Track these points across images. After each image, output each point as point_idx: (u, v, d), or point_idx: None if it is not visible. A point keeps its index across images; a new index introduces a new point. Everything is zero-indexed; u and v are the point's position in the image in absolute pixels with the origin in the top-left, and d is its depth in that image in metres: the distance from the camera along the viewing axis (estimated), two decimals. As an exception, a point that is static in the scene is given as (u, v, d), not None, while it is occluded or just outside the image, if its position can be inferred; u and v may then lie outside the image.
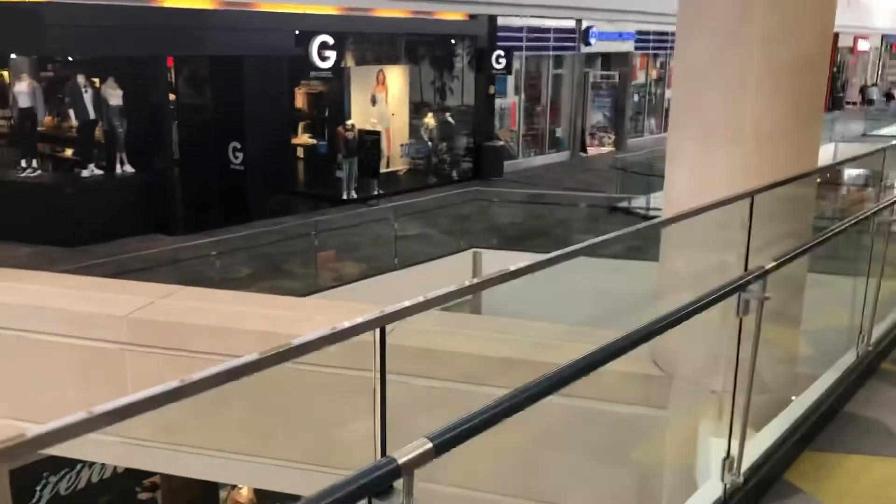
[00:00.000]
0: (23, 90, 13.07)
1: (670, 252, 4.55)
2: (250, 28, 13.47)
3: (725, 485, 2.57)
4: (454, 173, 18.86)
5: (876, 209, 3.67)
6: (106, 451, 5.33)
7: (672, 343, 4.43)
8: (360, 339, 4.96)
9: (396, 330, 5.46)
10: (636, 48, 24.23)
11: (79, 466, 8.62)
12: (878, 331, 3.99)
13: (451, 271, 11.59)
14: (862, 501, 2.79)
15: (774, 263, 2.42)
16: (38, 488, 8.35)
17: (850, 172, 11.94)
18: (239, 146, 13.81)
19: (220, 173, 13.72)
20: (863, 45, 36.52)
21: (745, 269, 3.06)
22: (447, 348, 4.97)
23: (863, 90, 35.76)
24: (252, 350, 5.08)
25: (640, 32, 23.78)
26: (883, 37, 39.16)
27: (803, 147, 4.41)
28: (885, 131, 24.09)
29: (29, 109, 13.12)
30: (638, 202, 14.97)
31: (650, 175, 15.55)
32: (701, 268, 3.80)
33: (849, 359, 3.77)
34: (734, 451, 2.55)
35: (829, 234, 3.13)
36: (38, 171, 13.04)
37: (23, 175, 12.83)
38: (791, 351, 4.39)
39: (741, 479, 2.58)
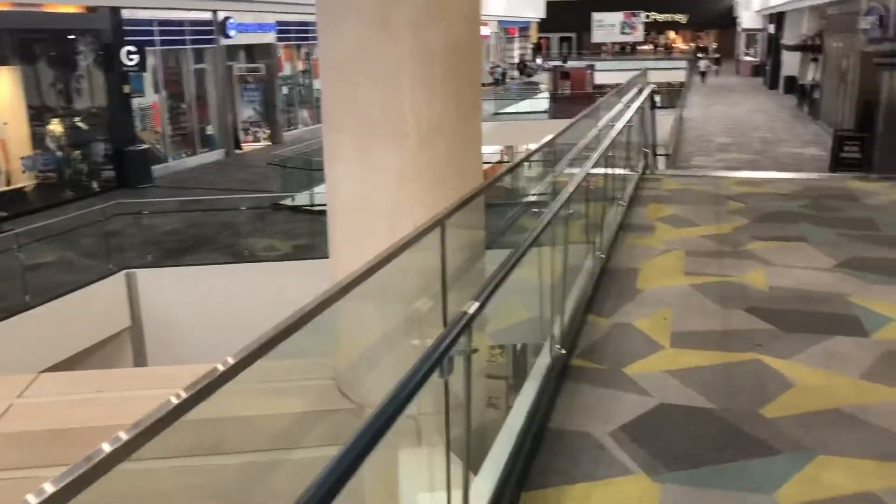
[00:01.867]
0: None
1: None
2: None
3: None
4: (94, 184, 16.76)
5: (553, 212, 3.43)
6: None
7: (361, 373, 3.90)
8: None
9: (17, 408, 4.24)
10: (279, 39, 23.62)
11: None
12: (561, 327, 3.81)
13: (103, 300, 10.18)
14: (592, 544, 2.48)
15: (477, 305, 1.94)
16: None
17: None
18: None
19: None
20: (485, 31, 39.83)
21: (444, 318, 2.59)
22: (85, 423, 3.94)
23: (493, 71, 38.96)
24: None
25: (280, 23, 23.21)
26: (499, 23, 43.20)
27: (468, 139, 4.09)
28: (512, 108, 26.28)
29: None
30: (302, 198, 14.47)
31: (311, 170, 15.12)
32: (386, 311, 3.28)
33: (543, 362, 3.53)
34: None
35: (525, 248, 2.76)
36: None
37: None
38: (481, 361, 4.09)
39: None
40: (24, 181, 15.70)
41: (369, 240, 3.70)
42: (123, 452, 1.25)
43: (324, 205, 13.67)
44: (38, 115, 16.20)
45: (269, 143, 22.94)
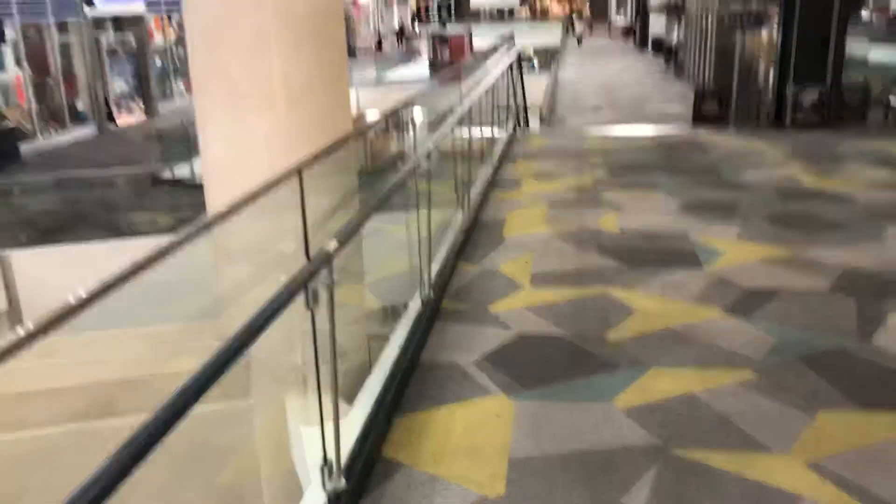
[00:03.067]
0: None
1: (223, 236, 4.16)
2: None
3: (329, 494, 2.34)
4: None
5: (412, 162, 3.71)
6: None
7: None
8: None
9: None
10: (148, 9, 22.80)
11: None
12: (431, 274, 4.12)
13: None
14: (457, 455, 2.80)
15: (337, 244, 2.19)
16: None
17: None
18: None
19: None
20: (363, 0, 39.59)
21: (307, 254, 2.82)
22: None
23: (380, 38, 38.78)
24: None
25: (149, -9, 22.41)
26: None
27: (336, 101, 4.31)
28: (393, 75, 26.39)
29: None
30: (182, 170, 14.22)
31: (189, 141, 14.85)
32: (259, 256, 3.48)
33: (415, 305, 3.83)
34: (331, 455, 2.32)
35: (384, 196, 3.02)
36: None
37: None
38: (360, 309, 4.36)
39: (342, 482, 2.36)
40: None
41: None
42: None
43: (205, 176, 13.46)
44: None
45: (145, 116, 22.25)
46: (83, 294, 1.73)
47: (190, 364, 1.70)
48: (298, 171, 2.58)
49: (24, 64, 18.63)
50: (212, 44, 3.94)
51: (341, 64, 4.42)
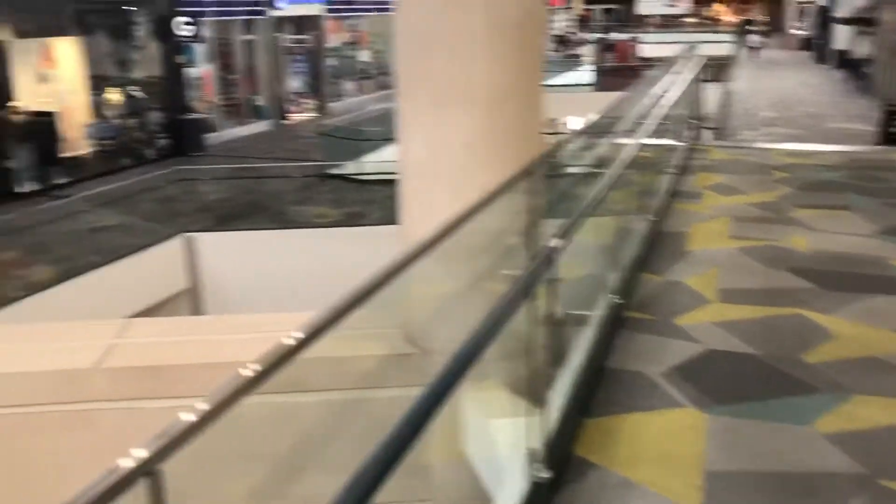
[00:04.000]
0: None
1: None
2: None
3: (531, 481, 2.41)
4: (151, 151, 17.35)
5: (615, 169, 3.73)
6: None
7: (427, 320, 4.25)
8: (78, 368, 4.09)
9: (117, 347, 4.65)
10: (327, 12, 23.94)
11: None
12: (617, 281, 4.12)
13: (162, 262, 10.64)
14: (650, 461, 2.80)
15: (560, 241, 2.26)
16: None
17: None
18: None
19: None
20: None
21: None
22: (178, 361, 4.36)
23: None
24: None
25: (329, -6, 23.52)
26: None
27: (532, 106, 4.39)
28: (557, 81, 26.27)
29: None
30: (350, 167, 14.84)
31: (358, 140, 15.49)
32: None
33: (600, 312, 3.85)
34: (534, 445, 2.39)
35: (600, 196, 3.07)
36: None
37: None
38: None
39: (545, 472, 2.43)
40: (85, 148, 16.33)
41: (437, 200, 4.04)
42: (247, 388, 1.46)
43: (373, 174, 13.98)
44: (97, 84, 16.79)
45: (316, 114, 23.37)
46: (348, 296, 1.82)
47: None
48: (528, 173, 2.67)
49: (213, 60, 20.07)
50: (420, 45, 4.12)
51: (538, 70, 4.50)
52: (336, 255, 9.97)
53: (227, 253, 11.21)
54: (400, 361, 4.27)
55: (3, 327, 5.07)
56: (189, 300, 11.33)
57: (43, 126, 14.50)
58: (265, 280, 10.61)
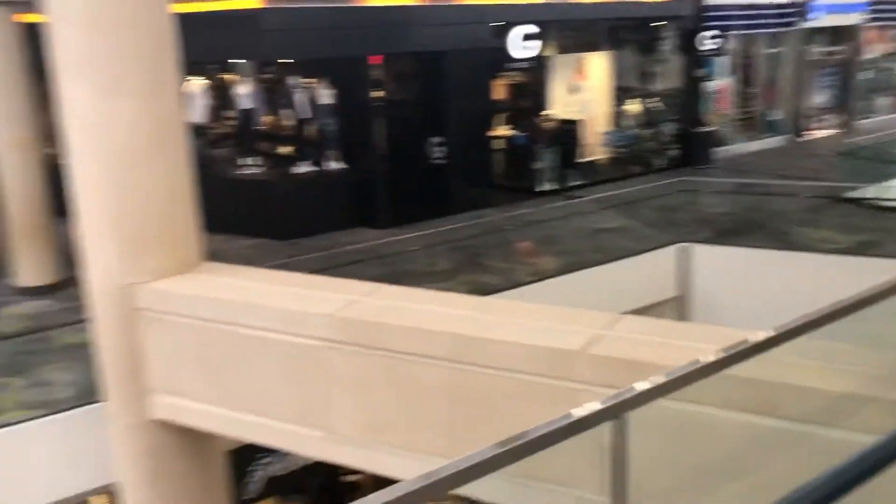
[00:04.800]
0: (244, 92, 14.01)
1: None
2: (452, 22, 13.55)
3: None
4: (660, 161, 18.03)
5: None
6: (309, 445, 5.46)
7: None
8: (565, 349, 4.57)
9: (603, 338, 4.99)
10: (867, 20, 21.91)
11: (289, 451, 9.05)
12: None
13: (656, 268, 11.02)
14: None
15: None
16: (253, 469, 8.88)
17: None
18: (440, 140, 13.96)
19: (421, 168, 13.94)
20: None
21: None
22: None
23: None
24: (446, 351, 4.82)
25: (874, 2, 21.44)
26: None
27: None
28: None
29: (250, 110, 14.04)
30: (870, 192, 13.48)
31: (885, 161, 13.99)
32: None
33: None
34: None
35: None
36: (258, 168, 13.90)
37: (244, 172, 13.75)
38: None
39: None
40: (600, 154, 17.69)
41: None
42: (702, 373, 1.56)
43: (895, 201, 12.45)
44: (619, 96, 18.03)
45: (838, 131, 21.63)
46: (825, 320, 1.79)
47: None
48: None
49: (733, 74, 19.93)
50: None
51: None
52: (840, 286, 9.21)
53: (721, 267, 11.11)
54: (862, 404, 3.86)
55: (509, 303, 5.86)
56: (677, 308, 11.55)
57: (568, 133, 16.10)
58: (757, 299, 10.28)
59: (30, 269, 10.64)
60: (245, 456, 8.47)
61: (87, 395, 6.56)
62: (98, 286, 5.79)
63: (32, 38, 9.83)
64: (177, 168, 5.82)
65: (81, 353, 6.89)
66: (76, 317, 7.50)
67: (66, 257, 9.45)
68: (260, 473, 8.95)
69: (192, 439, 6.00)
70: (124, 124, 5.50)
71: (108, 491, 6.67)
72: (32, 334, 8.72)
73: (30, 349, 8.17)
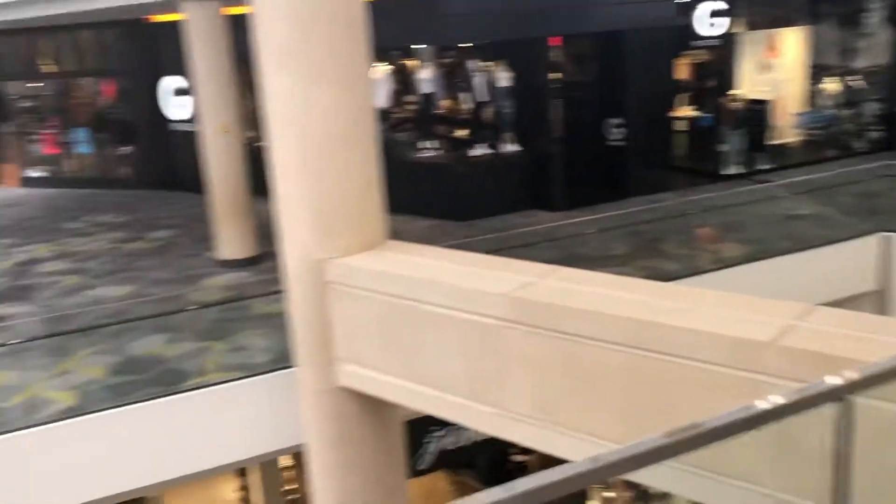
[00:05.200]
0: (426, 77, 14.38)
1: None
2: (634, 1, 13.20)
3: None
4: (859, 144, 16.68)
5: None
6: (483, 420, 5.58)
7: None
8: (753, 339, 4.36)
9: (795, 329, 4.72)
10: None
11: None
12: None
13: (853, 258, 10.26)
14: None
15: None
16: (428, 441, 9.20)
17: None
18: (619, 122, 13.69)
19: (598, 150, 13.74)
20: None
21: None
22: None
23: None
24: (623, 336, 4.76)
25: None
26: None
27: None
28: None
29: (430, 95, 14.40)
30: None
31: None
32: None
33: None
34: None
35: None
36: (436, 151, 14.24)
37: (423, 155, 14.13)
38: None
39: None
40: (791, 137, 16.62)
41: None
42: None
43: None
44: (815, 74, 16.82)
45: None
46: None
47: None
48: None
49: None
50: None
51: None
52: None
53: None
54: None
55: (690, 289, 5.66)
56: (876, 303, 10.70)
57: (756, 114, 15.24)
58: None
59: (230, 244, 11.51)
60: (419, 429, 8.79)
61: (281, 360, 7.06)
62: (292, 261, 6.20)
63: (237, 30, 10.61)
64: (368, 153, 6.10)
65: (276, 322, 7.42)
66: (272, 288, 8.08)
67: (264, 233, 10.17)
68: (433, 446, 9.26)
69: (374, 407, 6.31)
70: (323, 112, 5.83)
71: (295, 451, 7.16)
72: (232, 303, 9.44)
73: (229, 317, 8.88)
